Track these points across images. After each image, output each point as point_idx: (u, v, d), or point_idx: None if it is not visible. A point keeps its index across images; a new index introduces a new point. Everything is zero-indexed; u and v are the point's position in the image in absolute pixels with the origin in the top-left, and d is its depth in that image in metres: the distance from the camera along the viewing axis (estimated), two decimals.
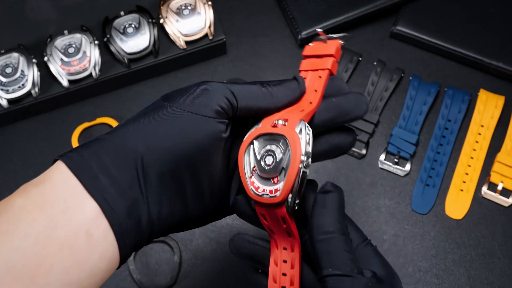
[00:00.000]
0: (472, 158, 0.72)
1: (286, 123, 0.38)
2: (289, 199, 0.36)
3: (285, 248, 0.39)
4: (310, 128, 0.38)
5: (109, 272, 0.36)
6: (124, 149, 0.37)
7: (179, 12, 0.76)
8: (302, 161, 0.36)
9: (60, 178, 0.35)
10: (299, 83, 0.41)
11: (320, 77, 0.41)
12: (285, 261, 0.39)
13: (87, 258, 0.34)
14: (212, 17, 0.76)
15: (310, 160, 0.37)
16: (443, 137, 0.73)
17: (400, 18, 0.78)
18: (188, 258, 0.69)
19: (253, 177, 0.38)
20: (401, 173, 0.72)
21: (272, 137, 0.38)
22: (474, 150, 0.72)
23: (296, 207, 0.37)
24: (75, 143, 0.74)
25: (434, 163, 0.72)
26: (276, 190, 0.37)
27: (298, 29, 0.77)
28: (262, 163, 0.37)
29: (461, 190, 0.70)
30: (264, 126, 0.39)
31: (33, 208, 0.33)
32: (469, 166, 0.71)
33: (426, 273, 0.67)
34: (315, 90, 0.40)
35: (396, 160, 0.72)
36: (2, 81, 0.72)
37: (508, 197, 0.70)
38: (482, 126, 0.73)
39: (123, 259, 0.36)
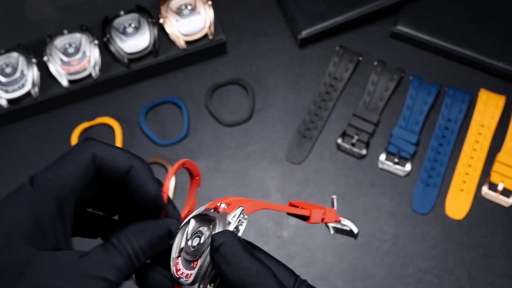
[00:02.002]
0: (472, 158, 0.72)
1: (227, 206, 0.34)
2: (200, 286, 0.33)
3: None
4: (246, 217, 0.34)
5: None
6: None
7: (179, 12, 0.76)
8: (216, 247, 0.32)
9: None
10: (170, 237, 0.34)
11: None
12: None
13: None
14: (212, 17, 0.76)
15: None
16: (444, 137, 0.73)
17: (400, 18, 0.78)
18: None
19: (179, 258, 0.34)
20: (402, 173, 0.72)
21: (206, 218, 0.34)
22: (475, 150, 0.72)
23: None
24: (75, 143, 0.74)
25: (435, 163, 0.72)
26: (188, 275, 0.33)
27: (298, 29, 0.77)
28: (189, 243, 0.34)
29: (462, 190, 0.70)
30: (208, 206, 0.35)
31: None
32: (470, 166, 0.71)
33: (427, 273, 0.66)
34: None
35: (396, 160, 0.72)
36: (1, 81, 0.72)
37: (508, 197, 0.69)
38: (482, 126, 0.73)
39: None
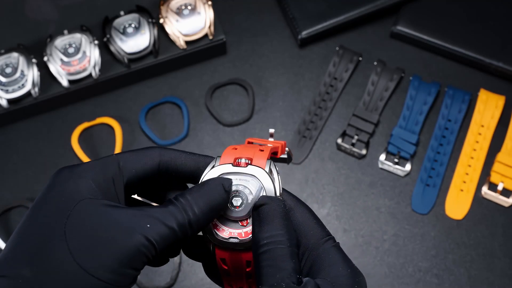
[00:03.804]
0: (472, 158, 0.72)
1: (250, 162, 0.35)
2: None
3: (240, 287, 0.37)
4: (277, 169, 0.35)
5: None
6: None
7: (179, 12, 0.76)
8: None
9: None
10: (225, 191, 0.34)
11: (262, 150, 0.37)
12: None
13: None
14: (212, 17, 0.76)
15: None
16: (443, 137, 0.73)
17: (400, 18, 0.78)
18: (188, 258, 0.69)
19: (215, 219, 0.35)
20: (401, 173, 0.72)
21: (238, 177, 0.35)
22: (475, 150, 0.72)
23: None
24: (75, 143, 0.74)
25: (434, 163, 0.72)
26: (247, 233, 0.34)
27: (298, 29, 0.77)
28: (229, 205, 0.34)
29: (461, 190, 0.70)
30: (225, 164, 0.35)
31: None
32: (469, 166, 0.71)
33: (426, 273, 0.67)
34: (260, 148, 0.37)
35: (396, 160, 0.72)
36: (2, 81, 0.72)
37: (508, 197, 0.69)
38: (482, 126, 0.73)
39: None
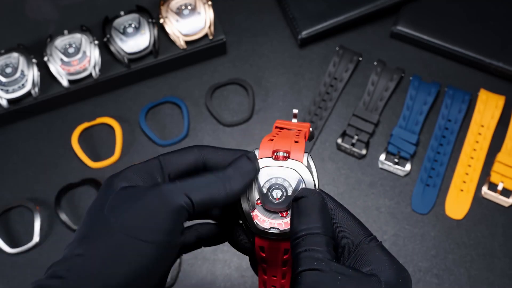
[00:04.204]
0: (472, 158, 0.72)
1: (288, 155, 0.37)
2: None
3: (274, 276, 0.39)
4: (313, 161, 0.38)
5: None
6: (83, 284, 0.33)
7: (179, 12, 0.76)
8: None
9: None
10: (251, 161, 0.37)
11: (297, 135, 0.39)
12: (274, 286, 0.39)
13: None
14: (212, 17, 0.76)
15: None
16: (443, 137, 0.73)
17: (400, 18, 0.78)
18: (188, 258, 0.69)
19: (256, 210, 0.37)
20: (401, 173, 0.72)
21: (279, 170, 0.37)
22: (474, 150, 0.72)
23: None
24: (75, 143, 0.74)
25: (434, 163, 0.72)
26: (286, 224, 0.37)
27: (298, 29, 0.77)
28: (270, 197, 0.36)
29: (461, 190, 0.70)
30: (264, 157, 0.37)
31: None
32: (469, 166, 0.71)
33: (426, 273, 0.67)
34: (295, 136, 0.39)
35: (396, 160, 0.72)
36: (2, 81, 0.72)
37: (508, 197, 0.69)
38: (482, 126, 0.73)
39: None
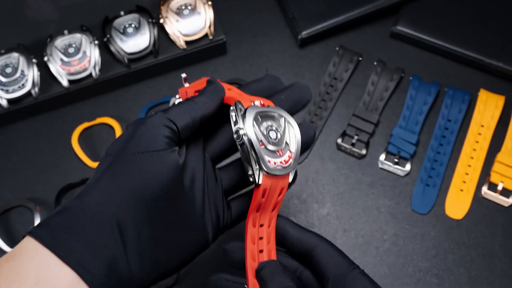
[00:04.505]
0: (472, 158, 0.72)
1: (264, 103, 0.43)
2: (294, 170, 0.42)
3: (261, 225, 0.43)
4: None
5: None
6: (92, 211, 0.36)
7: (179, 12, 0.76)
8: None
9: (30, 251, 0.34)
10: (213, 82, 0.45)
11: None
12: (261, 238, 0.42)
13: None
14: (212, 17, 0.76)
15: None
16: (443, 137, 0.73)
17: (400, 18, 0.78)
18: None
19: (264, 155, 0.41)
20: (401, 173, 0.72)
21: (266, 114, 0.41)
22: (474, 150, 0.72)
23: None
24: (75, 143, 0.75)
25: (434, 163, 0.72)
26: (286, 161, 0.41)
27: (298, 29, 0.77)
28: (270, 138, 0.41)
29: (461, 190, 0.70)
30: (248, 105, 0.42)
31: (4, 283, 0.33)
32: (469, 166, 0.71)
33: (426, 273, 0.67)
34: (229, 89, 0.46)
35: (396, 160, 0.72)
36: (2, 81, 0.72)
37: (508, 197, 0.70)
38: (482, 126, 0.73)
39: None
